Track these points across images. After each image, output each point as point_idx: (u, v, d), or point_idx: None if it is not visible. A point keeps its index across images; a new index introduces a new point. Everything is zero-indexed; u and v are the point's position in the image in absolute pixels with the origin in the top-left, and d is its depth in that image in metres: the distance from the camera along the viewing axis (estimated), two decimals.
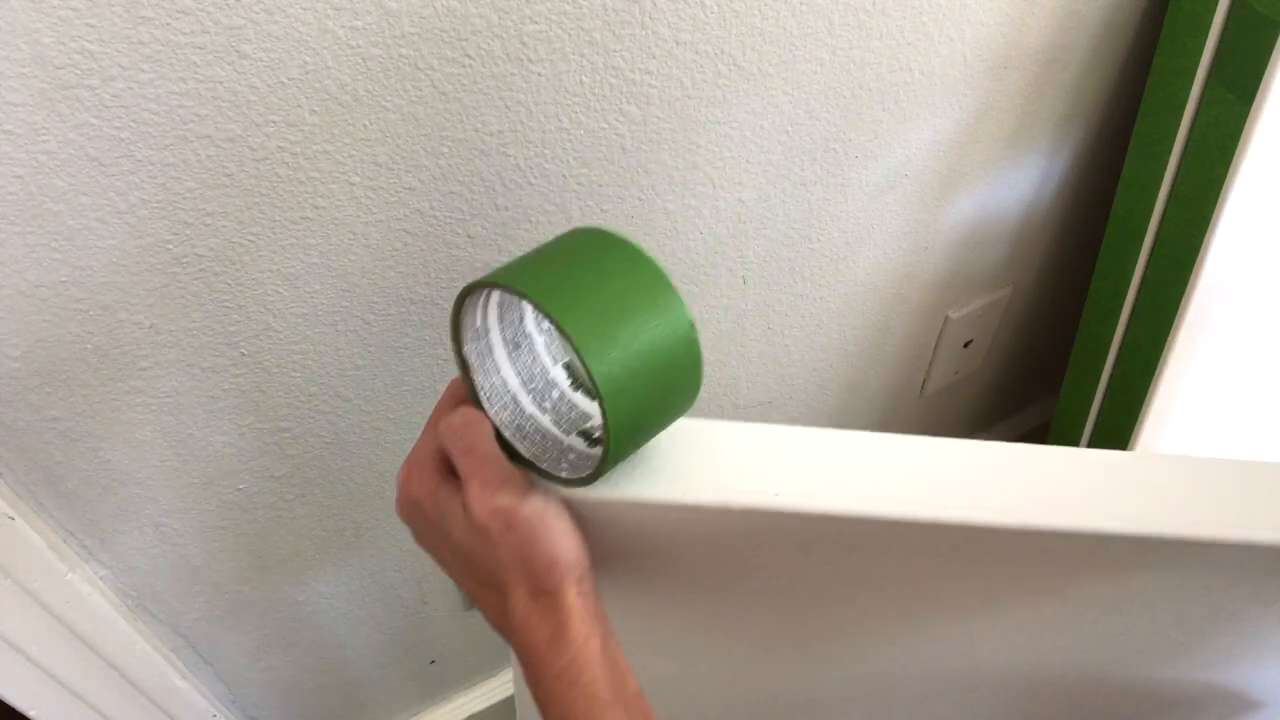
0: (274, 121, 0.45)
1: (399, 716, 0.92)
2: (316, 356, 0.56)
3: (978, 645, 0.54)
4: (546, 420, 0.41)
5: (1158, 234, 0.80)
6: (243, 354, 0.53)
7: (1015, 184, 0.83)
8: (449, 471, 0.39)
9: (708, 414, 0.82)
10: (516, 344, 0.41)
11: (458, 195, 0.53)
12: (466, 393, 0.41)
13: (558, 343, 0.42)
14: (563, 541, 0.38)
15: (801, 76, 0.61)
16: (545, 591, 0.37)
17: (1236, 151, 0.70)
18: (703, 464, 0.41)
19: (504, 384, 0.40)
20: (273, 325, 0.53)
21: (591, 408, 0.42)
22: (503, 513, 0.37)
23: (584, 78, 0.52)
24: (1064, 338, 1.00)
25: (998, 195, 0.82)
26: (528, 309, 0.41)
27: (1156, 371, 0.82)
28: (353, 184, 0.49)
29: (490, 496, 0.37)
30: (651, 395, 0.36)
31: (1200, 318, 0.78)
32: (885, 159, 0.71)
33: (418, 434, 0.42)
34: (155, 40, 0.40)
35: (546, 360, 0.42)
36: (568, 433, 0.41)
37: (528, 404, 0.41)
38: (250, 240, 0.48)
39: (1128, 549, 0.42)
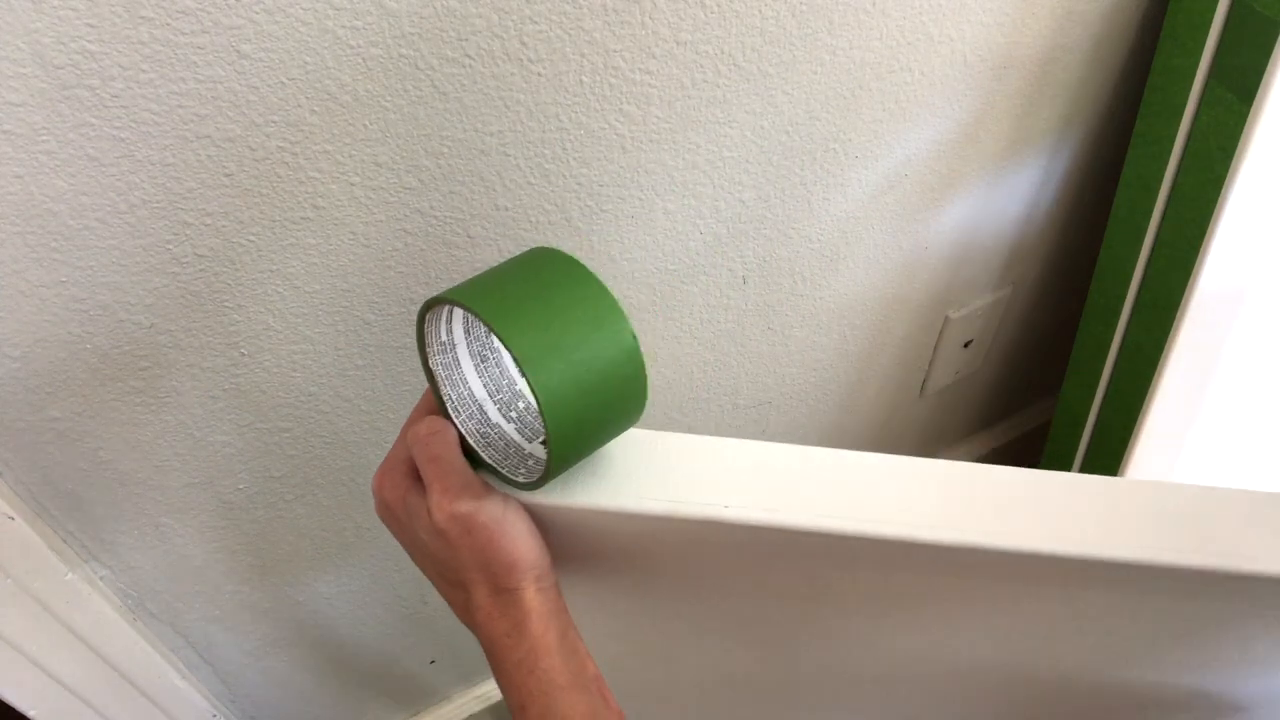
0: (274, 121, 0.45)
1: (399, 716, 0.92)
2: (316, 356, 0.56)
3: (946, 648, 0.54)
4: (511, 429, 0.43)
5: (1158, 234, 0.80)
6: (243, 354, 0.53)
7: (1015, 184, 0.83)
8: (418, 478, 0.42)
9: (707, 414, 0.82)
10: (484, 357, 0.43)
11: (458, 195, 0.53)
12: (435, 403, 0.43)
13: None
14: (520, 544, 0.40)
15: (801, 76, 0.61)
16: (505, 589, 0.40)
17: (1236, 151, 0.70)
18: (659, 474, 0.43)
19: (471, 394, 0.43)
20: (273, 325, 0.53)
21: None
22: (462, 518, 0.40)
23: (584, 78, 0.52)
24: (1064, 338, 1.00)
25: (998, 195, 0.82)
26: None
27: (1156, 371, 0.82)
28: (353, 184, 0.49)
29: (451, 503, 0.40)
30: (594, 405, 0.38)
31: (1200, 318, 0.78)
32: (885, 159, 0.71)
33: None
34: (155, 40, 0.40)
35: (514, 372, 0.44)
36: (530, 440, 0.43)
37: (494, 413, 0.43)
38: (250, 240, 0.48)
39: (1078, 569, 0.43)
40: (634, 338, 0.38)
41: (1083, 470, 1.00)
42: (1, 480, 0.51)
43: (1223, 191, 0.72)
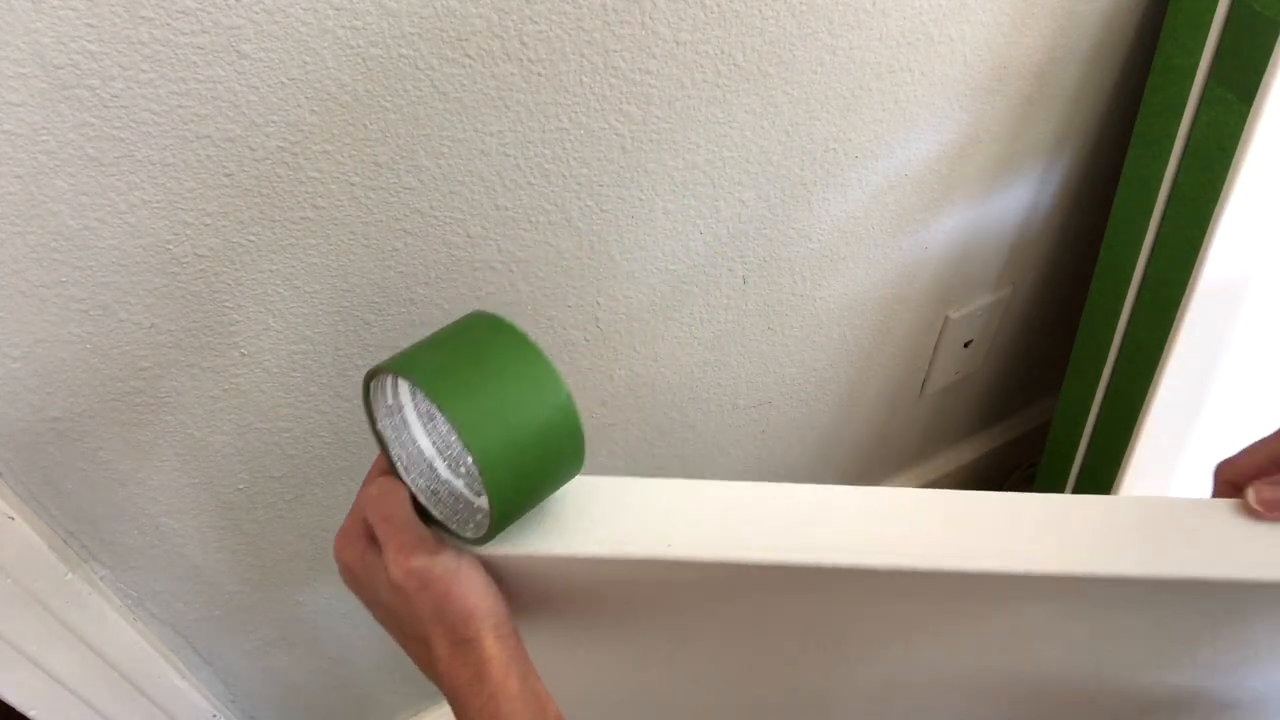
0: (274, 121, 0.45)
1: (399, 716, 0.92)
2: (316, 356, 0.56)
3: (922, 664, 0.55)
4: (460, 484, 0.45)
5: (1158, 234, 0.80)
6: (243, 354, 0.53)
7: (1015, 184, 0.83)
8: (374, 538, 0.43)
9: (707, 414, 0.82)
10: (431, 415, 0.45)
11: (457, 195, 0.53)
12: (386, 464, 0.44)
13: None
14: (476, 594, 0.42)
15: (801, 76, 0.61)
16: (464, 639, 0.41)
17: (1236, 151, 0.70)
18: (604, 518, 0.45)
19: (420, 453, 0.44)
20: (273, 325, 0.53)
21: None
22: (417, 574, 0.41)
23: (584, 78, 0.52)
24: (1064, 338, 1.00)
25: (998, 195, 0.82)
26: None
27: (1156, 371, 0.82)
28: (353, 184, 0.49)
29: (405, 559, 0.41)
30: (532, 463, 0.40)
31: (1200, 318, 0.78)
32: (885, 159, 0.71)
33: None
34: (155, 40, 0.40)
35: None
36: (478, 494, 0.45)
37: (443, 469, 0.45)
38: (250, 240, 0.48)
39: (1016, 585, 0.44)
40: (569, 397, 0.40)
41: (1083, 470, 1.00)
42: (1, 480, 0.51)
43: (1223, 191, 0.72)
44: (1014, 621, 0.49)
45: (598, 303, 0.65)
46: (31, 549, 0.53)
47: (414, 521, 0.42)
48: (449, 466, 0.45)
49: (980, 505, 0.45)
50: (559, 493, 0.45)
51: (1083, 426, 0.97)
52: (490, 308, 0.60)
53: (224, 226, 0.47)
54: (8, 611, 0.54)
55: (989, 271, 0.91)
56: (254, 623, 0.70)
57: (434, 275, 0.56)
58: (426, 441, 0.44)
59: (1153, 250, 0.81)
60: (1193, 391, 0.85)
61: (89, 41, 0.38)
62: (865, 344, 0.88)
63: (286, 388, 0.56)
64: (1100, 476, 0.96)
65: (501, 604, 0.43)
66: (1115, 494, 0.92)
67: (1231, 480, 0.47)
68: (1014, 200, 0.84)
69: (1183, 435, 0.89)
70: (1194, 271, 0.76)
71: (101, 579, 0.59)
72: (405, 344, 0.59)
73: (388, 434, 0.44)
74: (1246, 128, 0.68)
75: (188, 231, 0.46)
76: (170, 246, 0.46)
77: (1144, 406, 0.85)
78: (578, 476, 0.44)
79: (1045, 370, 1.14)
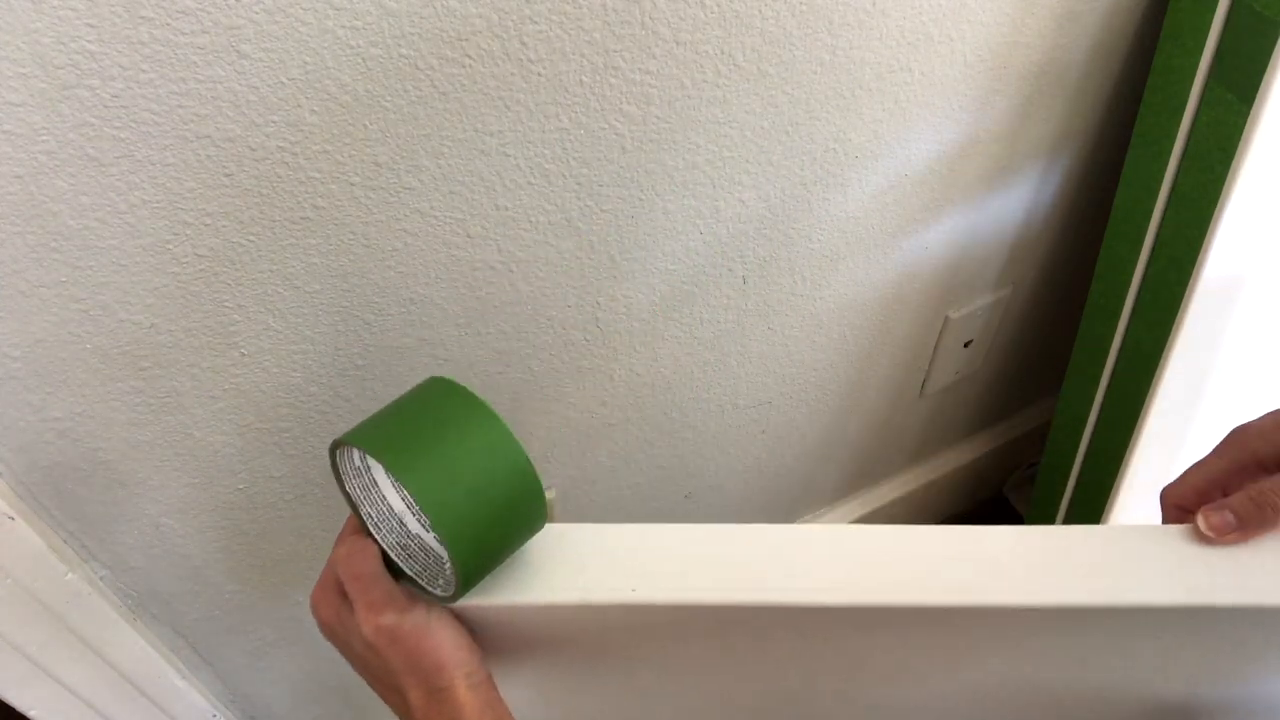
0: (274, 121, 0.45)
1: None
2: (316, 356, 0.56)
3: (899, 691, 0.56)
4: (430, 539, 0.46)
5: (1158, 234, 0.80)
6: (243, 354, 0.53)
7: (1015, 184, 0.83)
8: (347, 594, 0.45)
9: (707, 414, 0.82)
10: None
11: (457, 195, 0.53)
12: (357, 523, 0.46)
13: None
14: (446, 646, 0.43)
15: (801, 76, 0.61)
16: (438, 689, 0.43)
17: (1236, 151, 0.70)
18: (571, 565, 0.46)
19: (390, 509, 0.46)
20: (273, 325, 0.53)
21: None
22: (388, 630, 0.43)
23: (584, 78, 0.52)
24: (1064, 338, 1.00)
25: (998, 195, 0.82)
26: None
27: (1156, 371, 0.82)
28: (353, 184, 0.49)
29: (375, 616, 0.43)
30: (494, 526, 0.41)
31: (1200, 318, 0.78)
32: (885, 159, 0.71)
33: None
34: (155, 40, 0.40)
35: None
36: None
37: (412, 524, 0.46)
38: (250, 240, 0.48)
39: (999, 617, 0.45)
40: (526, 460, 0.41)
41: (1083, 470, 1.00)
42: (1, 480, 0.51)
43: (1223, 191, 0.72)
44: (977, 650, 0.50)
45: (598, 303, 0.65)
46: (31, 549, 0.53)
47: (384, 579, 0.44)
48: (418, 520, 0.46)
49: (935, 539, 0.47)
50: (530, 542, 0.46)
51: (1083, 426, 0.97)
52: (490, 307, 0.60)
53: (224, 226, 0.47)
54: (8, 612, 0.54)
55: (989, 271, 0.91)
56: (254, 623, 0.70)
57: (434, 275, 0.56)
58: (395, 498, 0.45)
59: (1153, 250, 0.81)
60: (1193, 391, 0.85)
61: (89, 41, 0.38)
62: (865, 344, 0.88)
63: (286, 388, 0.56)
64: (1100, 477, 0.96)
65: (474, 652, 0.45)
66: (1116, 494, 0.92)
67: (1179, 505, 0.48)
68: (1014, 200, 0.84)
69: (1183, 435, 0.89)
70: (1194, 271, 0.76)
71: (101, 579, 0.59)
72: (405, 344, 0.59)
73: (357, 494, 0.45)
74: (1246, 128, 0.68)
75: (188, 231, 0.46)
76: (170, 246, 0.46)
77: (1144, 406, 0.85)
78: (547, 525, 0.45)
79: (1045, 370, 1.14)
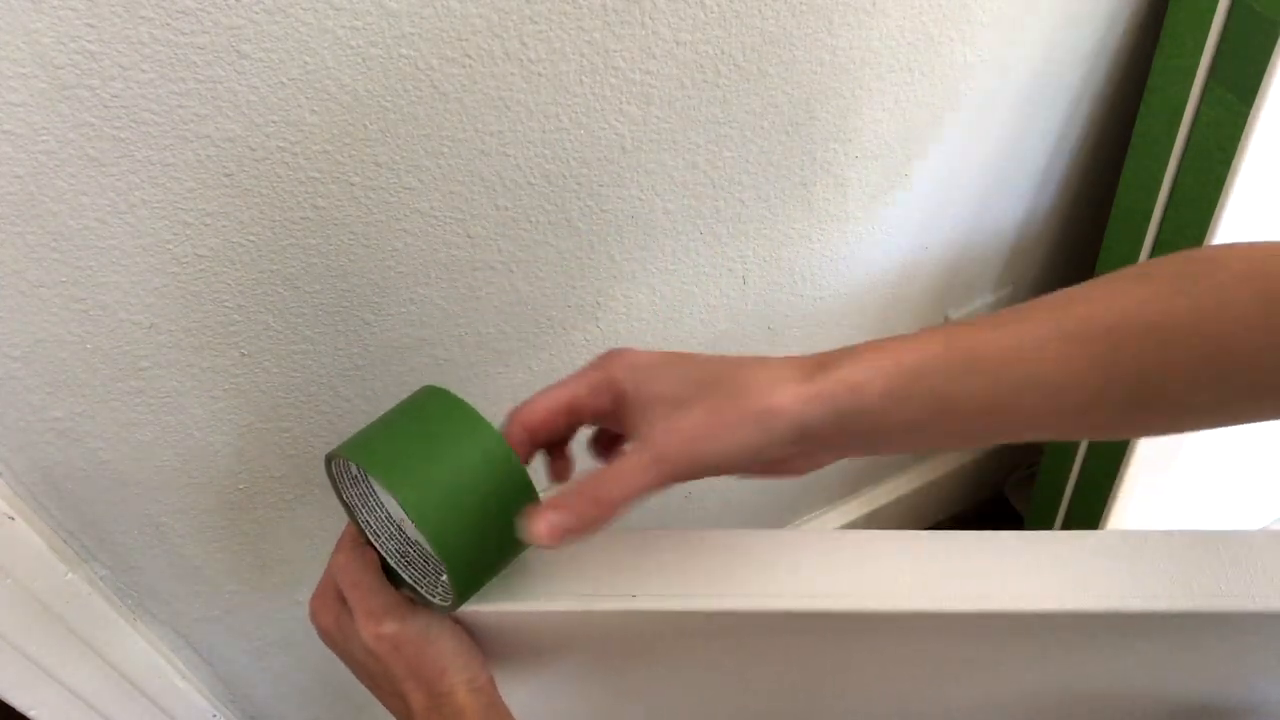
0: (274, 121, 0.45)
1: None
2: (316, 356, 0.56)
3: (895, 697, 0.56)
4: (429, 545, 0.46)
5: (1158, 234, 0.80)
6: (243, 354, 0.53)
7: (1015, 184, 0.83)
8: (346, 602, 0.45)
9: None
10: None
11: (458, 195, 0.53)
12: (355, 532, 0.46)
13: None
14: (447, 652, 0.44)
15: (801, 76, 0.61)
16: (439, 694, 0.43)
17: (1236, 151, 0.70)
18: (572, 571, 0.46)
19: (388, 515, 0.45)
20: (272, 325, 0.53)
21: None
22: (388, 638, 0.43)
23: (584, 78, 0.52)
24: None
25: (998, 195, 0.82)
26: None
27: None
28: (353, 184, 0.49)
29: (375, 625, 0.43)
30: (489, 541, 0.41)
31: None
32: (885, 159, 0.71)
33: None
34: (155, 40, 0.40)
35: None
36: None
37: (411, 531, 0.45)
38: (250, 240, 0.48)
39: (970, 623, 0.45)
40: (523, 470, 0.41)
41: (1083, 469, 1.00)
42: (1, 480, 0.51)
43: (1223, 191, 0.72)
44: (982, 656, 0.50)
45: (598, 303, 0.65)
46: (31, 549, 0.53)
47: (383, 586, 0.44)
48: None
49: (937, 544, 0.47)
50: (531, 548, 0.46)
51: None
52: (490, 308, 0.60)
53: (224, 226, 0.47)
54: (8, 612, 0.54)
55: (989, 271, 0.91)
56: (254, 623, 0.70)
57: (434, 275, 0.56)
58: (393, 504, 0.45)
59: (1153, 250, 0.81)
60: None
61: (89, 41, 0.38)
62: None
63: (286, 388, 0.56)
64: (1100, 476, 0.96)
65: (475, 656, 0.45)
66: (1115, 494, 0.92)
67: (525, 425, 0.42)
68: (1014, 200, 0.84)
69: (1182, 435, 0.89)
70: None
71: (101, 579, 0.59)
72: (405, 343, 0.59)
73: (354, 502, 0.45)
74: (1246, 128, 0.68)
75: (188, 231, 0.46)
76: (170, 246, 0.46)
77: None
78: None
79: None
